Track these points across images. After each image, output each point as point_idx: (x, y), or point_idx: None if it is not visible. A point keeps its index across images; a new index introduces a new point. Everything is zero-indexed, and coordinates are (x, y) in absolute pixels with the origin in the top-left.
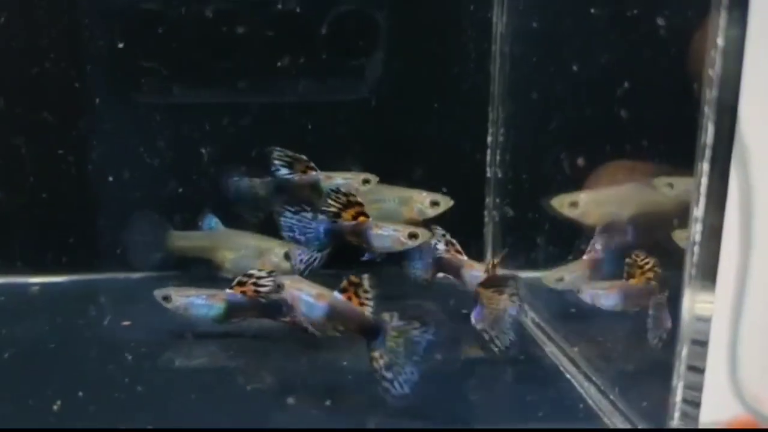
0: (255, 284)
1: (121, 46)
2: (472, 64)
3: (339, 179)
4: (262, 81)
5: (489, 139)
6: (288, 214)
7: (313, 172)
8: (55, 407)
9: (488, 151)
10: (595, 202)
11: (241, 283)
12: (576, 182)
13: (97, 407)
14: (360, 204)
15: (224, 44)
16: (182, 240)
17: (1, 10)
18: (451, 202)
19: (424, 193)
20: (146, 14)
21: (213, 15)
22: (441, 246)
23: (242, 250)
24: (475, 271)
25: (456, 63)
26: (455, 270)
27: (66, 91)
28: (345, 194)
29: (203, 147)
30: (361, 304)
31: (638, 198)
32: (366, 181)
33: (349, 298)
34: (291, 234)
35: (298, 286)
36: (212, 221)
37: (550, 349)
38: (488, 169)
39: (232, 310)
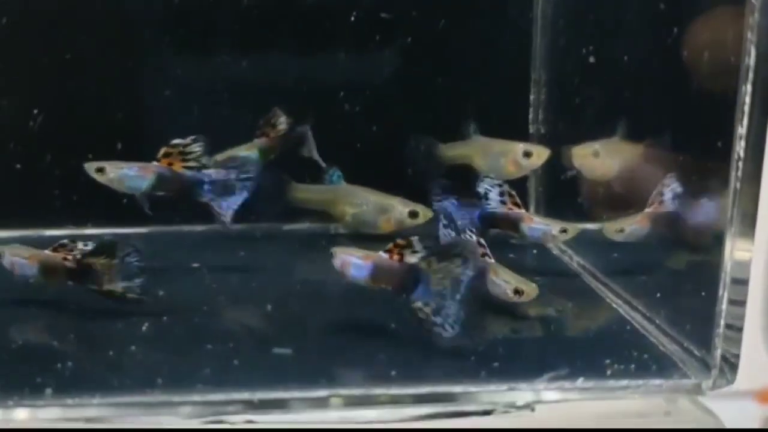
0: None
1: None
2: (514, 26)
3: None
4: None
5: (531, 97)
6: (440, 224)
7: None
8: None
9: (530, 109)
10: (613, 153)
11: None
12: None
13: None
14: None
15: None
16: (303, 192)
17: None
18: (548, 151)
19: (521, 144)
20: None
21: None
22: (494, 197)
23: (363, 206)
24: (535, 225)
25: (499, 25)
26: (512, 224)
27: (113, 63)
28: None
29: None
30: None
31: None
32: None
33: (392, 258)
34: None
35: (348, 251)
36: (335, 175)
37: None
38: (530, 126)
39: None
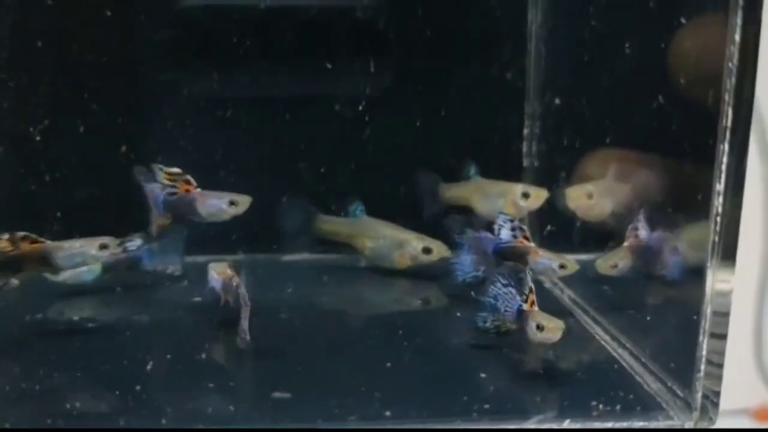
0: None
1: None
2: (508, 59)
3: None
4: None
5: (525, 131)
6: (499, 284)
7: None
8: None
9: (524, 143)
10: (606, 193)
11: None
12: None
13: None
14: (531, 290)
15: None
16: (328, 224)
17: None
18: (546, 193)
19: (520, 186)
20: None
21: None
22: (506, 232)
23: (380, 240)
24: (540, 259)
25: (493, 58)
26: (521, 257)
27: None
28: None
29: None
30: None
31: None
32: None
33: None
34: (494, 302)
35: (214, 267)
36: (358, 208)
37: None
38: (524, 159)
39: None
